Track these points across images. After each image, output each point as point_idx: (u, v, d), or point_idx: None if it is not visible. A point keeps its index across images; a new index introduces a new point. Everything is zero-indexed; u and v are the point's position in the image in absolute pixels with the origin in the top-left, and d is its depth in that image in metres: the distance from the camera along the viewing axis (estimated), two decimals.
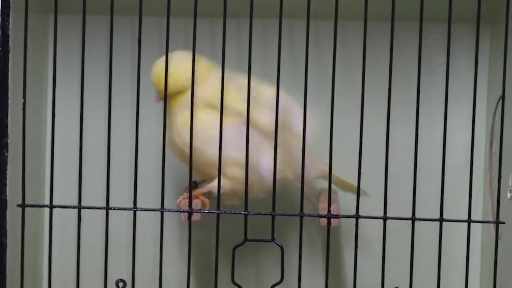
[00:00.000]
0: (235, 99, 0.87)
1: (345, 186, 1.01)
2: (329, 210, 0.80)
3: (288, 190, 1.06)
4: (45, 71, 1.08)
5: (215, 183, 0.88)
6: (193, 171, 0.83)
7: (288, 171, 0.92)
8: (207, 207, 0.93)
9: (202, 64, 0.91)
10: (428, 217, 0.79)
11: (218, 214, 0.80)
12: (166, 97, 0.81)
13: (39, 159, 1.07)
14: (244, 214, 0.80)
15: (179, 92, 0.90)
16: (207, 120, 0.88)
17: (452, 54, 1.06)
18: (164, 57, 0.81)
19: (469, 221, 0.79)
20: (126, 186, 1.04)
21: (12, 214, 0.84)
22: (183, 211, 0.83)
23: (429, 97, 1.06)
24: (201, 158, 0.88)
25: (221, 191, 0.82)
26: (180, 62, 0.88)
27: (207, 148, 0.87)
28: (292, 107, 0.90)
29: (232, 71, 0.89)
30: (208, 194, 0.95)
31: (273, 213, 0.79)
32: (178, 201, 0.91)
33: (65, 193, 0.98)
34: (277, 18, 0.77)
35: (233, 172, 0.88)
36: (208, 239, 1.08)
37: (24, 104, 0.80)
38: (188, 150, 0.81)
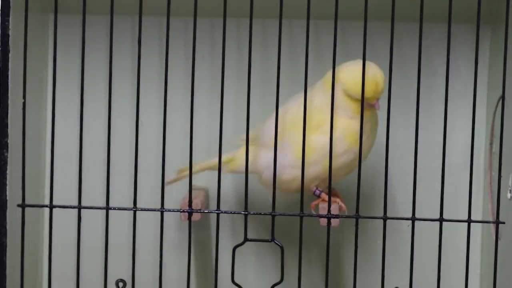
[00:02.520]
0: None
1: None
2: (329, 210, 0.80)
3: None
4: (45, 71, 1.08)
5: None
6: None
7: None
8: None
9: None
10: (428, 217, 0.79)
11: (218, 214, 0.80)
12: (165, 93, 0.81)
13: (39, 159, 1.07)
14: (244, 214, 0.80)
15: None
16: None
17: (452, 54, 1.05)
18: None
19: (469, 221, 0.79)
20: (126, 186, 1.03)
21: (12, 214, 0.84)
22: (183, 211, 0.83)
23: (429, 98, 1.06)
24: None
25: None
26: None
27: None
28: None
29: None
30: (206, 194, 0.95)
31: (273, 213, 0.79)
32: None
33: (65, 193, 0.98)
34: (277, 18, 0.77)
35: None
36: (208, 239, 1.08)
37: (24, 104, 0.80)
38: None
